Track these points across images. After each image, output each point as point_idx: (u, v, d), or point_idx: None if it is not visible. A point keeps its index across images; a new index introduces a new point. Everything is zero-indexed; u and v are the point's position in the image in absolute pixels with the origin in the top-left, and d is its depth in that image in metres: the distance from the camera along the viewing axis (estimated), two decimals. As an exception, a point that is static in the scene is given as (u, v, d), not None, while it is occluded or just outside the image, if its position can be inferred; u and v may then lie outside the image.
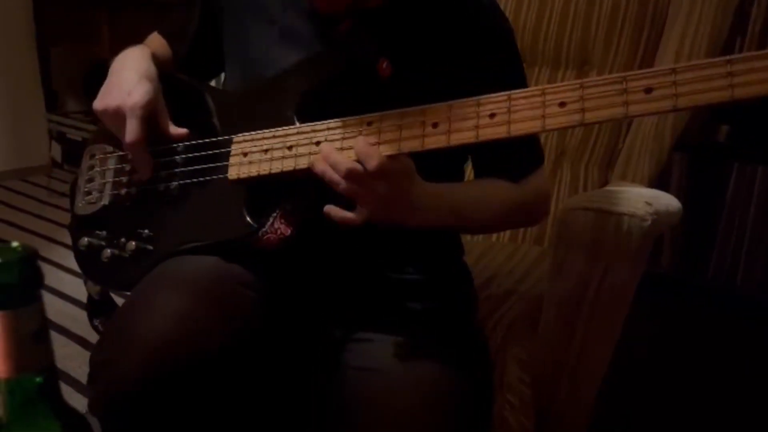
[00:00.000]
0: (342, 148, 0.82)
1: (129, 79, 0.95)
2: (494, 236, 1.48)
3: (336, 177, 0.80)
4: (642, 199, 0.92)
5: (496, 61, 0.93)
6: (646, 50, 1.37)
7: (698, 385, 1.77)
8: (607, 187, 1.19)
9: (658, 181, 1.24)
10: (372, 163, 0.78)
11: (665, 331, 1.98)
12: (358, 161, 0.79)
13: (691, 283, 2.26)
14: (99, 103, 0.95)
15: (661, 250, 2.29)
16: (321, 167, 0.81)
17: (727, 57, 0.66)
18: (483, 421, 0.91)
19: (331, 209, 0.82)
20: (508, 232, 1.48)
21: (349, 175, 0.79)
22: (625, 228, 0.87)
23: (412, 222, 0.84)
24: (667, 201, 0.99)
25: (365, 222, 0.81)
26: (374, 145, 0.81)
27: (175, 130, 0.97)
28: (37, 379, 0.47)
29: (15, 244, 0.46)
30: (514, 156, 0.93)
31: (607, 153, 1.41)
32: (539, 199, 0.99)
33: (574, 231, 0.90)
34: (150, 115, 0.94)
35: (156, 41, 1.12)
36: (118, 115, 0.93)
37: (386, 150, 0.80)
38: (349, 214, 0.81)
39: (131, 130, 0.92)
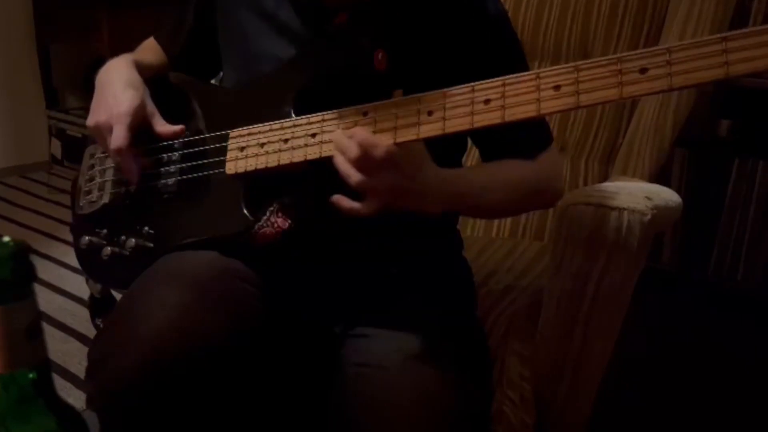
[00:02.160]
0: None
1: (113, 91, 0.97)
2: (494, 231, 1.48)
3: (349, 169, 0.78)
4: (642, 194, 0.91)
5: (492, 48, 0.93)
6: (646, 45, 1.37)
7: (698, 382, 1.77)
8: (608, 182, 1.19)
9: (659, 176, 1.24)
10: (378, 152, 0.77)
11: (665, 328, 1.98)
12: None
13: (691, 279, 2.26)
14: (90, 121, 0.97)
15: (661, 246, 2.29)
16: (338, 159, 0.80)
17: (722, 34, 0.65)
18: (482, 418, 0.91)
19: (339, 199, 0.81)
20: (507, 228, 1.48)
21: (360, 166, 0.78)
22: (626, 223, 0.87)
23: (426, 208, 0.84)
24: (668, 196, 0.99)
25: (375, 213, 0.80)
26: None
27: (168, 128, 0.98)
28: (31, 375, 0.47)
29: (7, 239, 0.45)
30: (523, 137, 0.93)
31: (608, 148, 1.40)
32: (556, 177, 0.99)
33: (574, 226, 0.90)
34: (139, 121, 0.96)
35: (148, 48, 1.13)
36: (108, 128, 0.95)
37: (383, 139, 0.80)
38: (357, 205, 0.81)
39: (116, 137, 0.94)
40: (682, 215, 1.03)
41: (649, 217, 0.87)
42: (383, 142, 0.78)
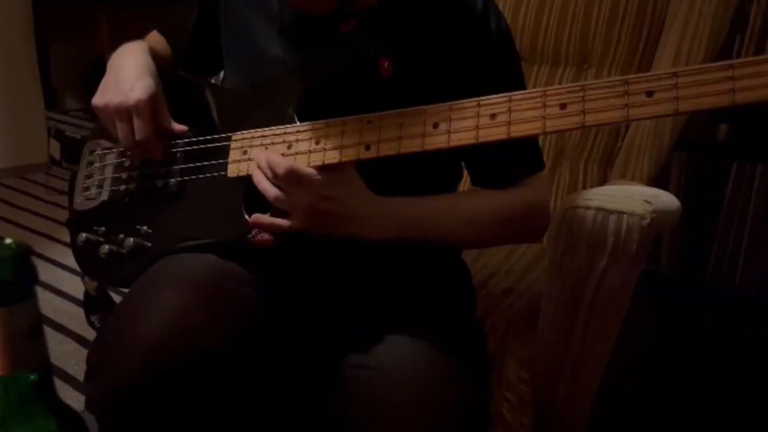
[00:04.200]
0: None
1: (129, 75, 0.95)
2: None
3: (266, 185, 0.83)
4: (641, 198, 0.91)
5: (492, 62, 0.93)
6: (645, 48, 1.37)
7: (697, 384, 1.77)
8: (606, 186, 1.19)
9: (658, 180, 1.24)
10: (278, 171, 0.81)
11: (664, 329, 1.98)
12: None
13: (689, 282, 2.26)
14: (99, 100, 0.95)
15: (660, 249, 2.29)
16: (256, 175, 0.85)
17: (729, 61, 0.66)
18: (482, 419, 0.91)
19: (257, 218, 0.85)
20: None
21: (275, 183, 0.82)
22: (625, 226, 0.87)
23: (362, 235, 0.85)
24: (667, 200, 0.99)
25: (297, 230, 0.84)
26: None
27: (175, 126, 0.97)
28: (32, 377, 0.47)
29: (9, 240, 0.45)
30: (506, 162, 0.92)
31: (607, 151, 1.40)
32: (532, 213, 0.95)
33: (573, 229, 0.90)
34: (153, 112, 0.94)
35: (155, 39, 1.12)
36: (119, 112, 0.93)
37: (386, 149, 0.80)
38: (277, 221, 0.84)
39: (141, 128, 0.93)
40: (681, 218, 1.03)
41: (648, 220, 0.87)
42: (286, 162, 0.81)
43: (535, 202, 0.95)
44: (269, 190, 0.83)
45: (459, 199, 0.95)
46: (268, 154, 0.84)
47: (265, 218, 0.85)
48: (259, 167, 0.85)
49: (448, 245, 0.97)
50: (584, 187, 1.40)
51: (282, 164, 0.81)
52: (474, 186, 0.99)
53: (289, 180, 0.82)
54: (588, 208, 0.89)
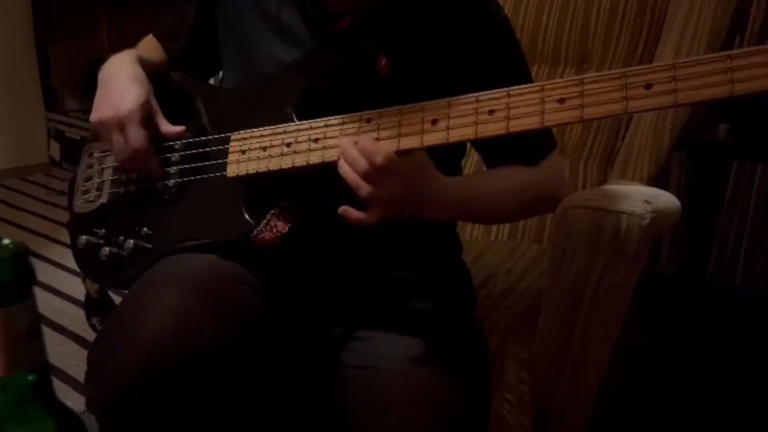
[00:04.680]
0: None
1: (118, 86, 0.96)
2: (493, 234, 1.48)
3: (357, 180, 0.78)
4: (641, 198, 0.91)
5: (494, 53, 0.93)
6: (645, 48, 1.37)
7: (698, 382, 1.77)
8: (606, 186, 1.19)
9: (658, 180, 1.24)
10: (378, 160, 0.76)
11: (665, 329, 1.98)
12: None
13: (690, 282, 2.26)
14: (93, 116, 0.97)
15: (660, 249, 2.29)
16: (345, 170, 0.79)
17: (727, 52, 0.66)
18: (481, 419, 0.91)
19: (347, 211, 0.80)
20: (506, 230, 1.48)
21: (367, 176, 0.77)
22: (624, 226, 0.87)
23: (427, 216, 0.84)
24: (667, 199, 0.99)
25: (378, 221, 0.80)
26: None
27: (171, 128, 0.97)
28: (30, 378, 0.47)
29: (6, 241, 0.45)
30: (526, 143, 0.92)
31: (606, 151, 1.40)
32: (559, 182, 0.98)
33: (573, 229, 0.90)
34: (145, 119, 0.95)
35: (147, 45, 1.12)
36: (113, 124, 0.94)
37: (384, 146, 0.80)
38: (362, 215, 0.80)
39: (134, 137, 0.93)
40: (681, 218, 1.03)
41: (647, 220, 0.87)
42: (383, 149, 0.77)
43: (562, 174, 1.00)
44: (361, 185, 0.78)
45: (501, 176, 0.95)
46: (362, 141, 0.78)
47: (356, 213, 0.80)
48: (345, 158, 0.80)
49: (483, 221, 0.97)
50: (584, 187, 1.40)
51: (382, 152, 0.76)
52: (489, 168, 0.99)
53: (386, 170, 0.77)
54: (588, 208, 0.89)
